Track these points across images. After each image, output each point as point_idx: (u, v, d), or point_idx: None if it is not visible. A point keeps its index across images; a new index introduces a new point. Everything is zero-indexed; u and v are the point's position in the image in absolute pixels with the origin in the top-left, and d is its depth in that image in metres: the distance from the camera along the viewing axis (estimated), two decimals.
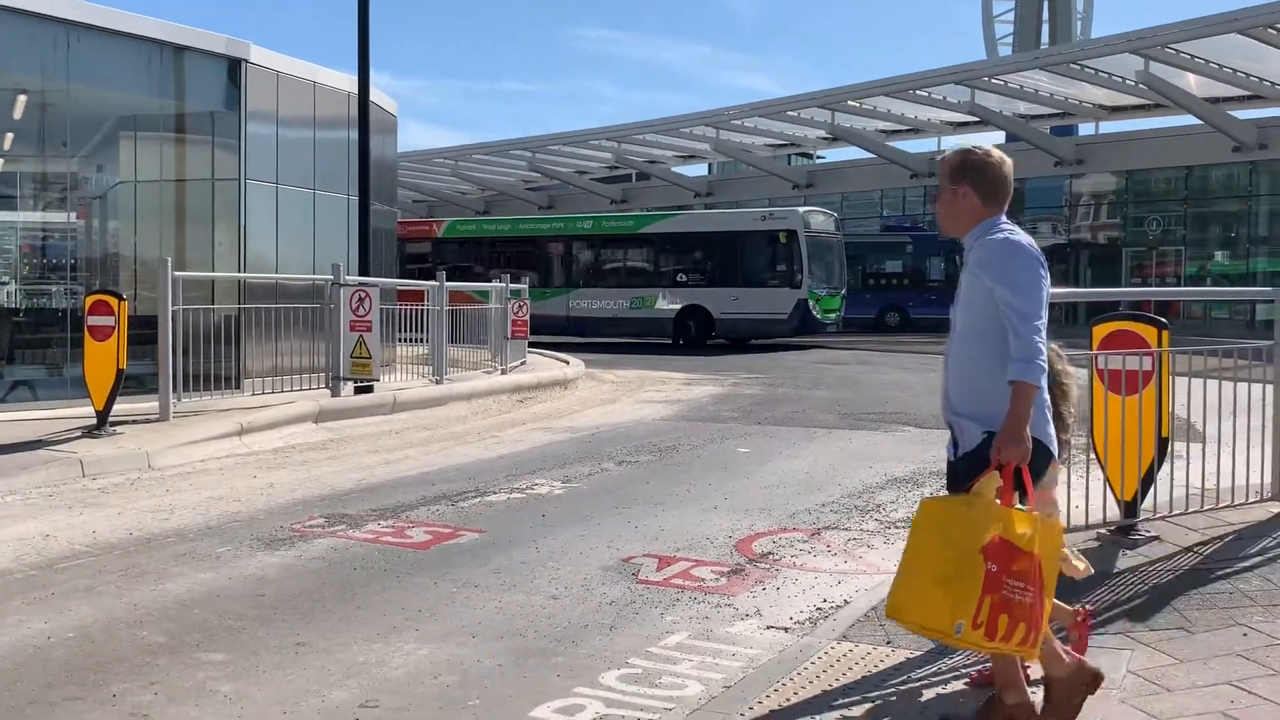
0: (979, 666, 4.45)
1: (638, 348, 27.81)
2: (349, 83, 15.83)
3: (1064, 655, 3.96)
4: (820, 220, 29.63)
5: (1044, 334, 3.71)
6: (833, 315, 28.92)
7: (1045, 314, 3.76)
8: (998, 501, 3.61)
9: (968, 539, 3.52)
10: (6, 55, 13.01)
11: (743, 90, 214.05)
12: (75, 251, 17.23)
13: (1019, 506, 3.68)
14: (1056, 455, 4.04)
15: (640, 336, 29.80)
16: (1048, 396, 3.87)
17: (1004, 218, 3.95)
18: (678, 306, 29.46)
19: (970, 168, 3.90)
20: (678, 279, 29.99)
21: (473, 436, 12.25)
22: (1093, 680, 3.95)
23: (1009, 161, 3.94)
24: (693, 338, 29.14)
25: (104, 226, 17.78)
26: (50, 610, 5.53)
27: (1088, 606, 4.59)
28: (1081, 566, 4.49)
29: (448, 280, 16.22)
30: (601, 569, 6.38)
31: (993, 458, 3.64)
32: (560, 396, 16.48)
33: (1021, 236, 3.88)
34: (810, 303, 27.78)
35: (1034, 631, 3.60)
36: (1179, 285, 32.23)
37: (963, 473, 3.83)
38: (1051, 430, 3.90)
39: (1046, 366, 3.72)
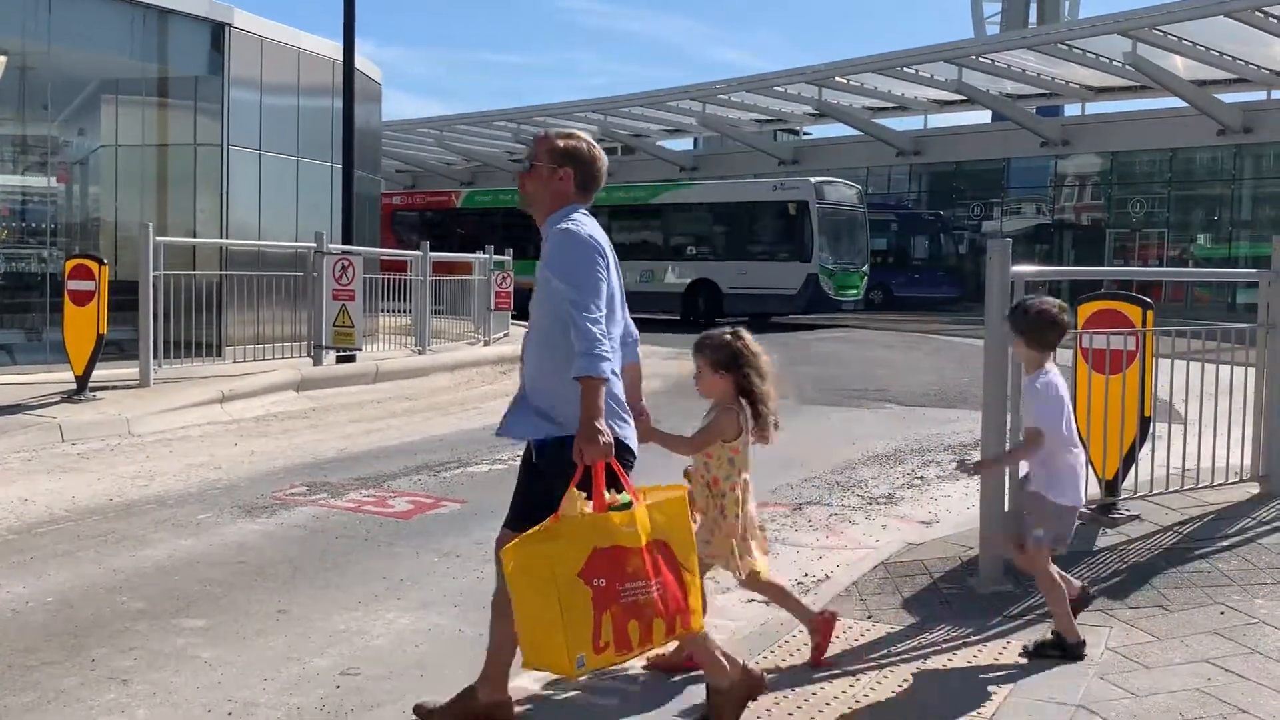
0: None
1: (642, 325, 27.17)
2: (333, 49, 15.70)
3: (724, 663, 3.80)
4: (838, 192, 28.15)
5: (603, 324, 3.53)
6: (852, 293, 27.51)
7: (603, 305, 3.57)
8: (588, 510, 3.40)
9: (560, 573, 3.30)
10: None
11: (727, 65, 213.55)
12: (55, 216, 17.03)
13: (620, 502, 3.48)
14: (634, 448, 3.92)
15: (647, 311, 28.46)
16: (619, 388, 3.76)
17: (583, 209, 3.83)
18: (686, 281, 28.36)
19: (577, 156, 3.81)
20: (687, 252, 29.02)
21: (455, 407, 12.23)
22: (755, 687, 3.87)
23: (605, 159, 3.95)
24: (701, 314, 27.46)
25: (84, 191, 17.60)
26: (28, 575, 5.50)
27: (833, 610, 4.53)
28: (751, 566, 4.28)
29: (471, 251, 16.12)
30: None
31: (576, 460, 3.44)
32: None
33: (583, 226, 3.71)
34: (822, 278, 26.42)
35: (678, 616, 3.46)
36: (1161, 267, 32.31)
37: (545, 472, 3.67)
38: (625, 426, 3.79)
39: (610, 357, 3.53)
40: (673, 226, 29.41)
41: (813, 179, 27.88)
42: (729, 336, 4.42)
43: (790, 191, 27.45)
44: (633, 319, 4.11)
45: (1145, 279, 26.76)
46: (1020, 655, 4.40)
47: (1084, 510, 5.84)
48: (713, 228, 28.87)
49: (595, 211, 3.91)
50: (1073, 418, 4.68)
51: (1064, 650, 4.34)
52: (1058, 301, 4.62)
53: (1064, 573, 4.61)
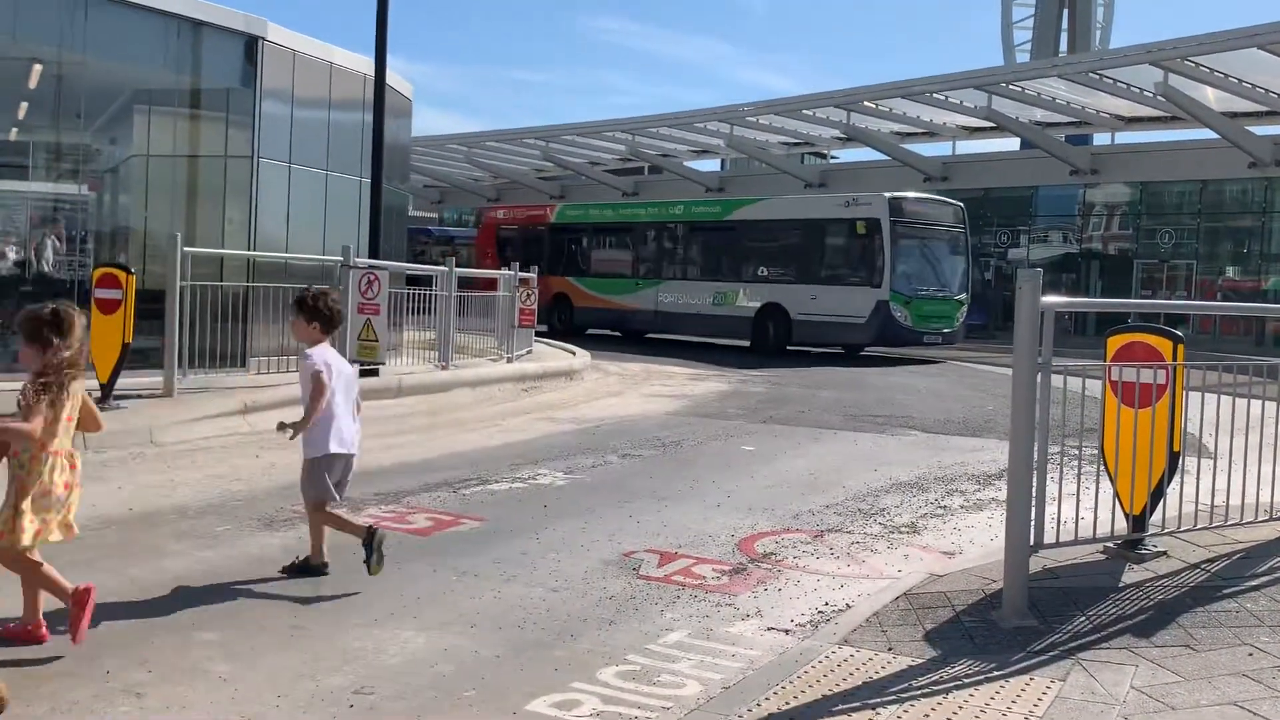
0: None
1: (710, 351, 25.40)
2: (365, 64, 15.79)
3: None
4: (922, 209, 25.04)
5: None
6: (936, 324, 24.18)
7: None
8: None
9: None
10: (24, 24, 13.00)
11: (754, 87, 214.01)
12: (85, 223, 17.19)
13: None
14: None
15: (720, 336, 26.82)
16: None
17: None
18: (756, 305, 25.86)
19: None
20: (759, 273, 26.41)
21: (477, 424, 12.21)
22: None
23: None
24: (771, 341, 25.32)
25: (115, 199, 17.77)
26: None
27: (89, 583, 4.66)
28: (19, 540, 4.51)
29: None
30: (602, 563, 6.34)
31: None
32: (565, 387, 16.44)
33: None
34: (894, 306, 23.44)
35: None
36: (1190, 300, 32.05)
37: None
38: None
39: None
40: (744, 246, 27.06)
41: (888, 194, 24.90)
42: (46, 311, 4.69)
43: (861, 208, 24.53)
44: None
45: (1176, 312, 26.51)
46: (280, 572, 5.77)
47: (1110, 546, 5.76)
48: (783, 247, 26.33)
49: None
50: (337, 389, 5.86)
51: (309, 571, 5.81)
52: (335, 293, 6.37)
53: (352, 518, 6.11)
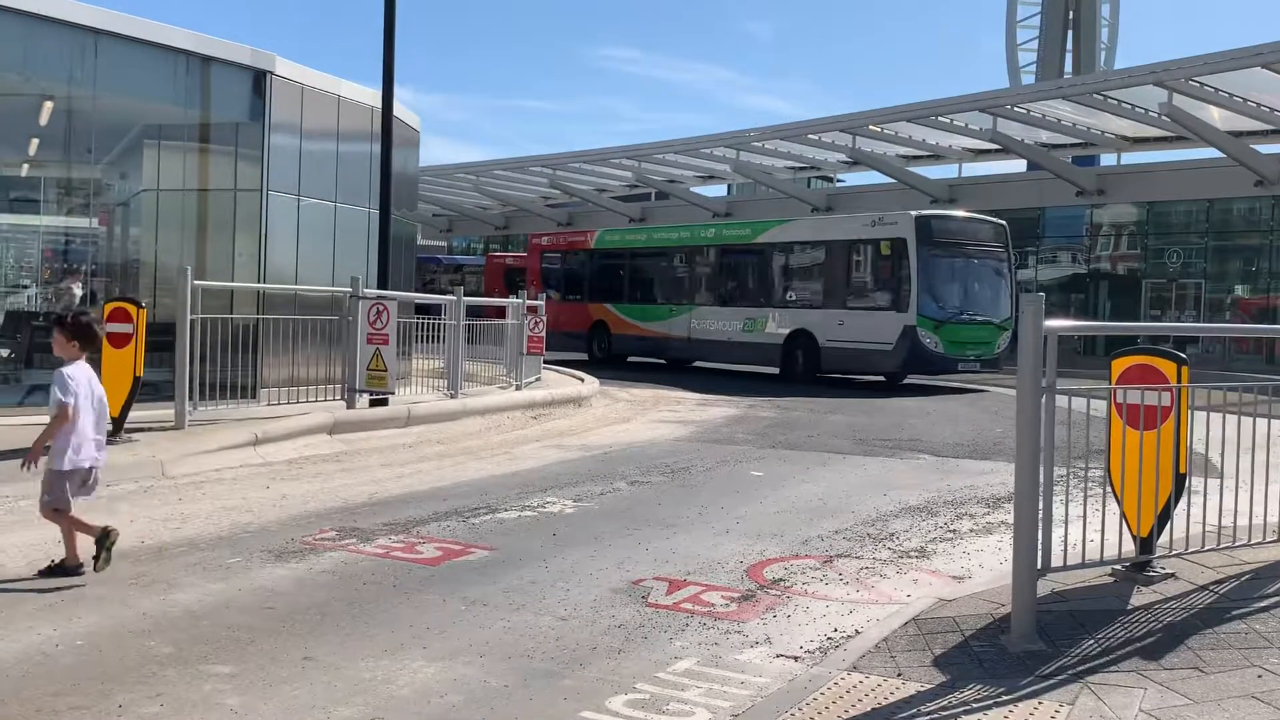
0: None
1: (741, 379, 24.82)
2: (372, 97, 15.92)
3: None
4: (955, 227, 23.48)
5: None
6: (973, 350, 22.67)
7: None
8: None
9: None
10: (34, 62, 13.14)
11: (759, 112, 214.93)
12: (96, 257, 17.32)
13: None
14: None
15: (750, 364, 25.88)
16: None
17: None
18: (785, 331, 24.66)
19: None
20: (787, 298, 25.21)
21: (486, 452, 12.24)
22: None
23: None
24: (800, 369, 24.07)
25: (125, 233, 17.90)
26: (59, 617, 5.53)
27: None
28: None
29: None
30: (611, 591, 6.35)
31: None
32: (574, 414, 16.47)
33: None
34: (923, 332, 22.00)
35: None
36: (1198, 317, 32.02)
37: None
38: None
39: None
40: (772, 269, 25.87)
41: (914, 211, 23.72)
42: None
43: (887, 227, 23.03)
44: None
45: (1182, 334, 26.44)
46: (36, 575, 6.19)
47: (1118, 568, 5.76)
48: (810, 270, 25.21)
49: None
50: (82, 406, 6.35)
51: (65, 572, 6.23)
52: (94, 313, 7.40)
53: (85, 523, 6.40)
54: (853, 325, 23.16)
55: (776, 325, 24.95)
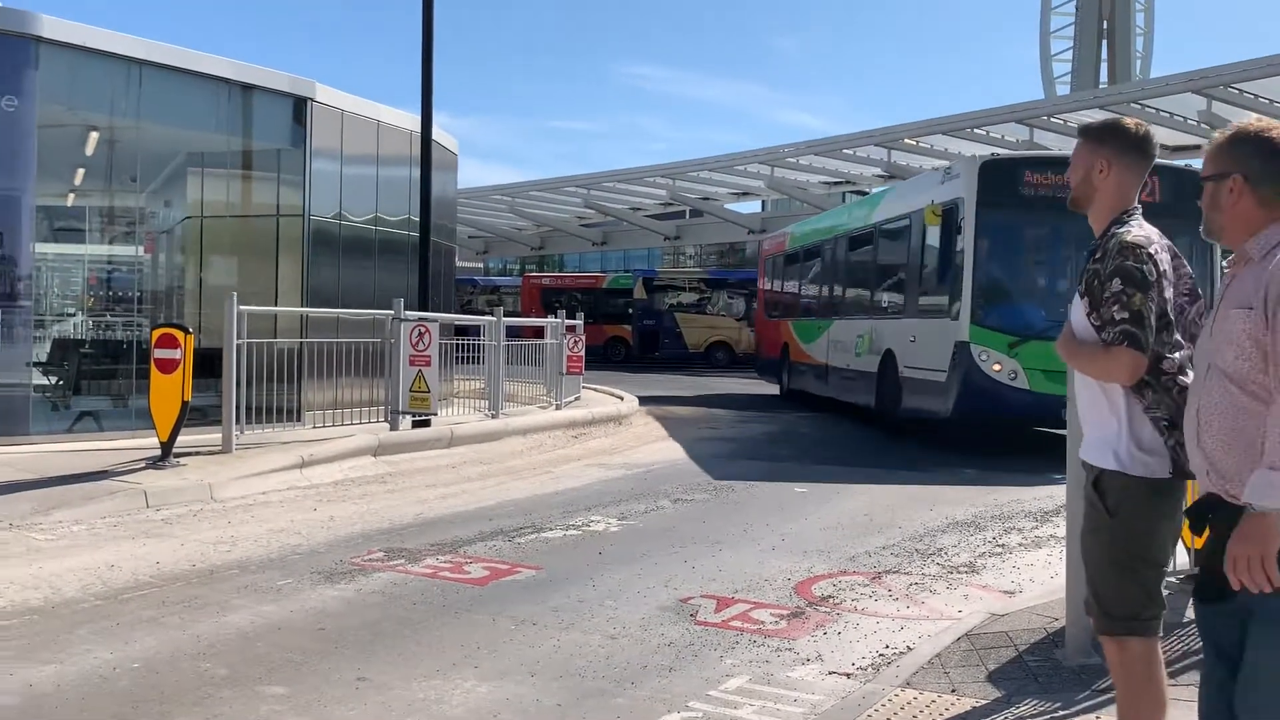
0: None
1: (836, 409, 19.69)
2: (411, 121, 16.07)
3: None
4: (1031, 175, 13.87)
5: None
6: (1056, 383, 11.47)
7: None
8: None
9: None
10: (80, 93, 13.35)
11: (790, 128, 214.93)
12: (141, 284, 17.55)
13: None
14: None
15: (849, 397, 18.78)
16: None
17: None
18: (878, 355, 16.84)
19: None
20: (877, 306, 17.80)
21: (528, 472, 12.28)
22: None
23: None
24: (887, 407, 16.42)
25: (170, 260, 18.12)
26: (115, 641, 5.59)
27: None
28: None
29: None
30: (659, 609, 6.35)
31: None
32: (614, 433, 16.49)
33: None
34: (979, 351, 13.50)
35: None
36: None
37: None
38: None
39: None
40: (869, 265, 18.68)
41: (980, 155, 15.31)
42: None
43: (946, 186, 14.87)
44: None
45: None
46: None
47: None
48: (888, 266, 17.71)
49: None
50: None
51: None
52: None
53: None
54: (921, 343, 15.24)
55: (871, 347, 17.35)
